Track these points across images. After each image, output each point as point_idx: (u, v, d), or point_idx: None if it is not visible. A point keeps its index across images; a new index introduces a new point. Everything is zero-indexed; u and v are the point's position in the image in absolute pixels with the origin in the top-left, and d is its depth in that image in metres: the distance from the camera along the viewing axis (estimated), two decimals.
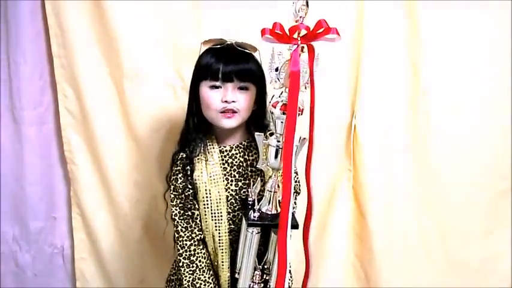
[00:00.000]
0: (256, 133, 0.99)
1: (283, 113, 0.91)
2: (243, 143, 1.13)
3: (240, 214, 1.11)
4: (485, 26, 1.40)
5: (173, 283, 1.22)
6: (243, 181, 1.11)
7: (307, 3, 0.85)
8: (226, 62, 1.03)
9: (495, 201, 1.52)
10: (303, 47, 0.88)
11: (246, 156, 1.12)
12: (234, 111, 1.05)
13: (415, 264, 1.52)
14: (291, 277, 1.22)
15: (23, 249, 1.65)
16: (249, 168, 1.12)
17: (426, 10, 1.38)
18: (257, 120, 1.13)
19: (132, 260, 1.61)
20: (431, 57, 1.42)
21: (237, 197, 1.11)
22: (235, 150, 1.12)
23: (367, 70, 1.42)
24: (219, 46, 1.05)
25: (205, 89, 1.06)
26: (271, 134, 0.98)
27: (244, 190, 1.11)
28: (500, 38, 1.41)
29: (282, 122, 0.93)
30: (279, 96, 0.94)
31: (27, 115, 1.52)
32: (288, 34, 0.87)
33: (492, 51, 1.42)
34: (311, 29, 0.87)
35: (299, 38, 0.87)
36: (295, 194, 1.14)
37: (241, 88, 1.05)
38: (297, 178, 1.16)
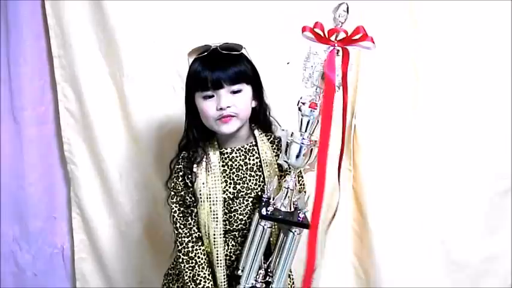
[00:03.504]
0: (280, 129, 1.00)
1: (312, 111, 0.93)
2: (245, 146, 1.13)
3: (236, 215, 1.12)
4: (486, 25, 1.40)
5: (171, 277, 1.23)
6: (241, 184, 1.11)
7: (347, 9, 0.87)
8: (212, 69, 1.02)
9: (495, 201, 1.51)
10: (338, 50, 0.90)
11: (246, 160, 1.12)
12: (231, 116, 1.05)
13: (415, 264, 1.52)
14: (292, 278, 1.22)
15: (23, 249, 1.64)
16: (248, 172, 1.12)
17: (427, 10, 1.38)
18: (259, 117, 1.13)
19: (132, 260, 1.60)
20: (432, 57, 1.42)
21: (235, 199, 1.11)
22: (235, 153, 1.12)
23: (367, 70, 1.42)
24: (205, 54, 1.04)
25: (199, 100, 1.06)
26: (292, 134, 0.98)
27: (242, 193, 1.11)
28: (501, 38, 1.41)
29: (309, 120, 0.94)
30: (309, 95, 0.95)
31: (27, 115, 1.52)
32: (327, 36, 0.89)
33: (492, 52, 1.42)
34: (349, 34, 0.88)
35: (336, 41, 0.89)
36: None
37: (234, 91, 1.05)
38: (302, 181, 1.17)
